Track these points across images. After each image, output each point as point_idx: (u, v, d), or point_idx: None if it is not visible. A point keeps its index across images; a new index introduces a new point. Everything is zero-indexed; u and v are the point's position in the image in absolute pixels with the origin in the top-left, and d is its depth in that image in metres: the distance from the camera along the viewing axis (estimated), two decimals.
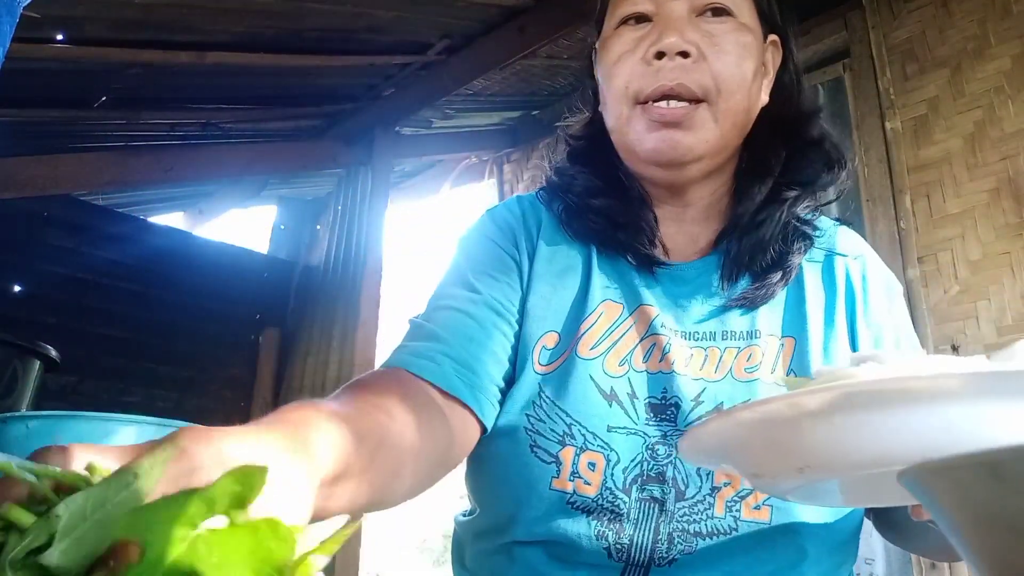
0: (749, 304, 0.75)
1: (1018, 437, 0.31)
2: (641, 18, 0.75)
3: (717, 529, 0.67)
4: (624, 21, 0.76)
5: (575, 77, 3.22)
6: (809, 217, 0.79)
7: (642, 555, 0.68)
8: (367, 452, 0.51)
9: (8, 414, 0.58)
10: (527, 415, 0.72)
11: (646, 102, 0.72)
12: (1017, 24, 2.15)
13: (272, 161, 3.59)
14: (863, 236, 2.43)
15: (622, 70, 0.74)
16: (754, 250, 0.76)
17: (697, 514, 0.68)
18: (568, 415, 0.71)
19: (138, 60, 2.65)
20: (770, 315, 0.75)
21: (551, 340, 0.75)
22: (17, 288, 3.21)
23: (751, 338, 0.73)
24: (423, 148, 3.80)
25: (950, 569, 1.98)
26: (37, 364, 1.14)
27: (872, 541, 2.18)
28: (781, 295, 0.76)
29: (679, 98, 0.72)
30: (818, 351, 0.73)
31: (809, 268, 0.78)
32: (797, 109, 0.81)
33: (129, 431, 0.58)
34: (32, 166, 3.02)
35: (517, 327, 0.75)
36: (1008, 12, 2.17)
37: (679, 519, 0.68)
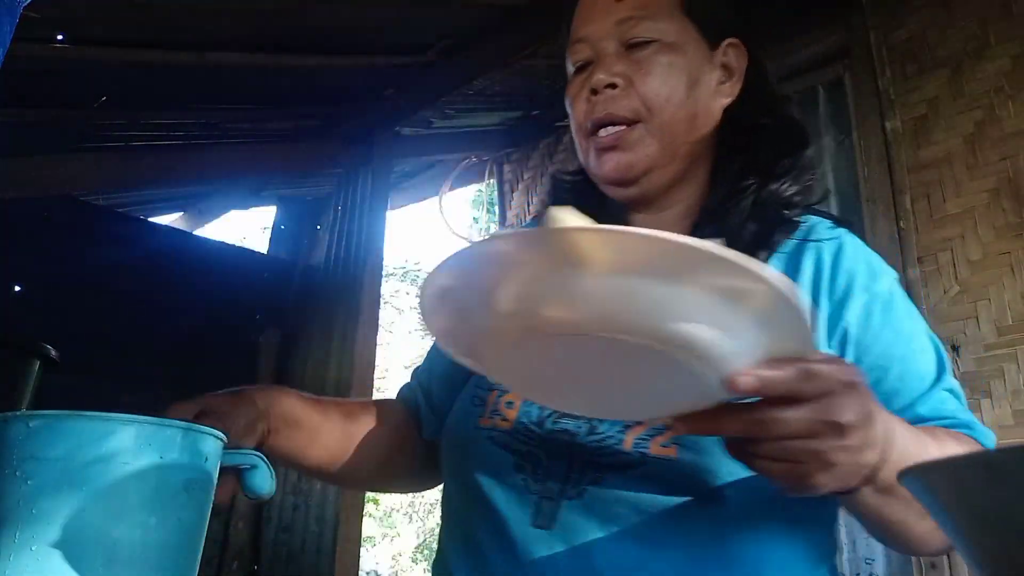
0: None
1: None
2: (586, 64, 0.87)
3: (624, 462, 0.72)
4: (575, 69, 0.89)
5: None
6: (788, 198, 0.83)
7: (554, 485, 0.74)
8: (324, 422, 0.88)
9: (8, 413, 0.58)
10: (478, 378, 0.86)
11: (592, 134, 0.84)
12: (1017, 24, 2.15)
13: (272, 161, 3.59)
14: (863, 236, 2.41)
15: (575, 110, 0.87)
16: (724, 235, 0.79)
17: (606, 447, 0.73)
18: None
19: (138, 60, 2.65)
20: None
21: None
22: (17, 288, 3.21)
23: None
24: (423, 148, 3.80)
25: (950, 568, 1.98)
26: (37, 364, 1.14)
27: (872, 541, 2.18)
28: None
29: (614, 124, 0.83)
30: None
31: (778, 256, 0.82)
32: (760, 102, 0.88)
33: (129, 431, 0.58)
34: (32, 166, 3.02)
35: None
36: (1008, 12, 2.17)
37: (589, 451, 0.74)
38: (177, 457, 0.60)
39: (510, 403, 0.80)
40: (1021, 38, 2.14)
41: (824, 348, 0.75)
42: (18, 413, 0.58)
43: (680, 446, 0.70)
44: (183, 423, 0.61)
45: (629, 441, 0.72)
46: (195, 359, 3.63)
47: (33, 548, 0.54)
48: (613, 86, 0.82)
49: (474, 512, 0.78)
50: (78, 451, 0.56)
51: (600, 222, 0.87)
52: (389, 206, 3.60)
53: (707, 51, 0.86)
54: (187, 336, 3.62)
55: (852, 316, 0.75)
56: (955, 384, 0.75)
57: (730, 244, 0.77)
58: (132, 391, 3.48)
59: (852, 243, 0.81)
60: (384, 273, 3.46)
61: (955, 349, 2.08)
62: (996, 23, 2.19)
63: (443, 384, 0.94)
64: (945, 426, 0.70)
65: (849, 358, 0.74)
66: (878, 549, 2.17)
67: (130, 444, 0.58)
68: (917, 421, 0.70)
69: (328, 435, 0.88)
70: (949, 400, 0.73)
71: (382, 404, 0.97)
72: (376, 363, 3.28)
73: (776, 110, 0.89)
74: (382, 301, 3.41)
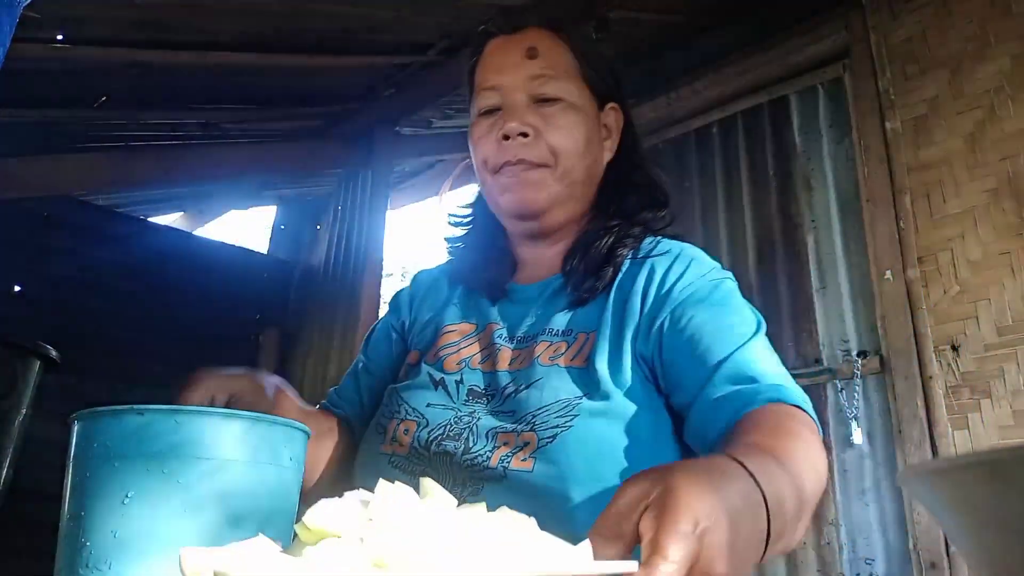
0: (583, 302, 0.93)
1: None
2: (493, 109, 0.97)
3: (492, 476, 0.82)
4: (481, 112, 0.98)
5: None
6: (637, 233, 0.96)
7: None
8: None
9: (123, 407, 0.59)
10: (383, 408, 0.97)
11: (498, 172, 0.95)
12: (1017, 24, 2.15)
13: (272, 161, 3.59)
14: (862, 236, 2.41)
15: (481, 149, 0.97)
16: (586, 268, 0.94)
17: (477, 464, 0.83)
18: (401, 398, 0.94)
19: (138, 60, 2.65)
20: (584, 315, 0.92)
21: (413, 357, 1.00)
22: (17, 288, 3.21)
23: (565, 336, 0.91)
24: (423, 148, 3.80)
25: (950, 568, 1.98)
26: (37, 364, 1.14)
27: (872, 541, 2.18)
28: (599, 300, 0.92)
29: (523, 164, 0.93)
30: (604, 344, 0.87)
31: (622, 274, 0.94)
32: (632, 161, 1.02)
33: (235, 426, 0.60)
34: (32, 166, 3.02)
35: (384, 371, 1.06)
36: (1008, 12, 2.17)
37: (464, 467, 0.84)
38: (294, 454, 0.64)
39: (407, 430, 0.90)
40: (1021, 38, 2.14)
41: (642, 334, 0.86)
42: (136, 407, 0.59)
43: (536, 460, 0.79)
44: (283, 419, 0.64)
45: (495, 459, 0.82)
46: (195, 359, 3.61)
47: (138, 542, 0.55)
48: (525, 135, 0.93)
49: None
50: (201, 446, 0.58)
51: (488, 260, 1.02)
52: (389, 206, 3.60)
53: (597, 112, 1.00)
54: (187, 336, 3.62)
55: (669, 308, 0.86)
56: (763, 349, 0.82)
57: (587, 267, 0.92)
58: (132, 391, 3.48)
59: (685, 256, 0.92)
60: (384, 273, 3.45)
61: (955, 349, 2.08)
62: (996, 23, 2.19)
63: (361, 398, 1.08)
64: (757, 392, 0.75)
65: (667, 336, 0.85)
66: (878, 549, 2.17)
67: (238, 440, 0.60)
68: (737, 377, 0.78)
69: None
70: (761, 361, 0.80)
71: (336, 417, 1.06)
72: None
73: (645, 168, 1.03)
74: (382, 301, 3.41)
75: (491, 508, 0.73)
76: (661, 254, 0.93)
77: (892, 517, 2.16)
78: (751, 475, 0.54)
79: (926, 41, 2.33)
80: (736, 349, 0.80)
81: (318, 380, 3.48)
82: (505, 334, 0.95)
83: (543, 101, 0.95)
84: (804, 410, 0.75)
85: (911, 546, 2.07)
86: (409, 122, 3.56)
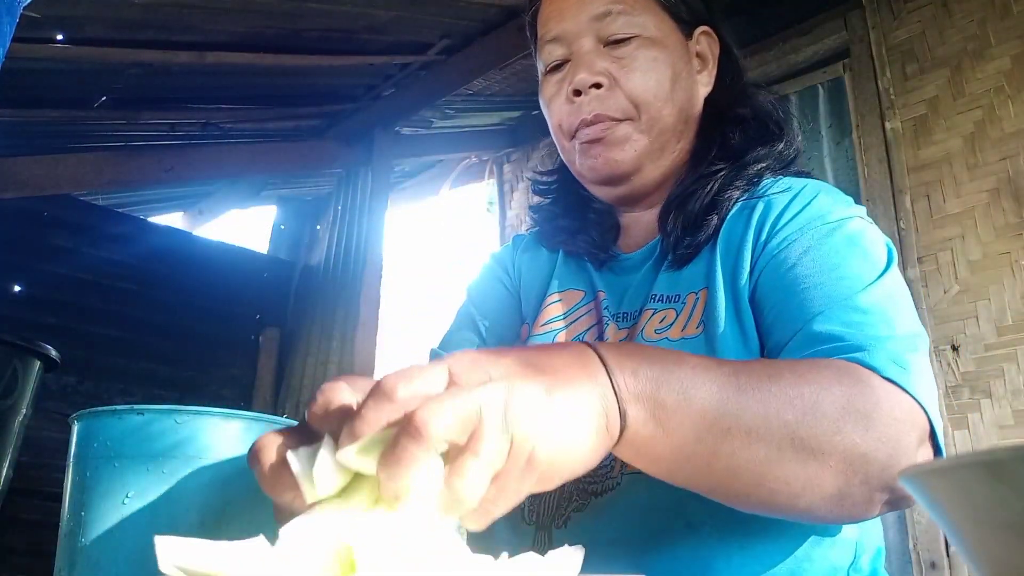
0: (685, 259, 0.80)
1: None
2: (561, 62, 0.84)
3: (606, 487, 0.73)
4: (548, 68, 0.86)
5: None
6: (751, 175, 0.81)
7: (547, 515, 0.74)
8: None
9: (124, 407, 0.59)
10: None
11: (575, 134, 0.82)
12: (1017, 24, 2.15)
13: (272, 161, 3.59)
14: None
15: (553, 111, 0.85)
16: (685, 224, 0.80)
17: (598, 473, 0.73)
18: None
19: (138, 60, 2.65)
20: (690, 274, 0.79)
21: (524, 332, 0.89)
22: (17, 288, 3.21)
23: (672, 302, 0.78)
24: (423, 148, 3.80)
25: (950, 568, 1.98)
26: (37, 364, 1.14)
27: None
28: (704, 253, 0.79)
29: (602, 123, 0.80)
30: (718, 303, 0.74)
31: (731, 217, 0.80)
32: (735, 91, 0.87)
33: (235, 426, 0.60)
34: (32, 166, 3.02)
35: (504, 331, 0.90)
36: (1008, 12, 2.17)
37: (583, 479, 0.72)
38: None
39: None
40: (1021, 38, 2.14)
41: (745, 276, 0.74)
42: (136, 407, 0.59)
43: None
44: (285, 421, 0.63)
45: (617, 467, 0.72)
46: (195, 359, 3.63)
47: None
48: (598, 85, 0.80)
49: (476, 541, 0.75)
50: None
51: (587, 223, 0.89)
52: (389, 206, 3.60)
53: (683, 41, 0.84)
54: (187, 336, 3.62)
55: (774, 251, 0.73)
56: (872, 304, 0.67)
57: (687, 221, 0.79)
58: (132, 391, 3.49)
59: (808, 193, 0.77)
60: (384, 273, 3.46)
61: (955, 349, 2.08)
62: (996, 23, 2.19)
63: None
64: (833, 352, 0.63)
65: (763, 283, 0.73)
66: None
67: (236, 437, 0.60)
68: (819, 337, 0.65)
69: None
70: (858, 323, 0.65)
71: None
72: (376, 363, 3.28)
73: (751, 98, 0.87)
74: (382, 301, 3.41)
75: (596, 524, 0.71)
76: (780, 191, 0.78)
77: (892, 517, 2.16)
78: (592, 349, 0.50)
79: (926, 41, 2.33)
80: (832, 306, 0.66)
81: (318, 380, 3.48)
82: (612, 308, 0.84)
83: (615, 43, 0.80)
84: (888, 378, 0.60)
85: (911, 546, 2.07)
86: (409, 122, 3.56)
